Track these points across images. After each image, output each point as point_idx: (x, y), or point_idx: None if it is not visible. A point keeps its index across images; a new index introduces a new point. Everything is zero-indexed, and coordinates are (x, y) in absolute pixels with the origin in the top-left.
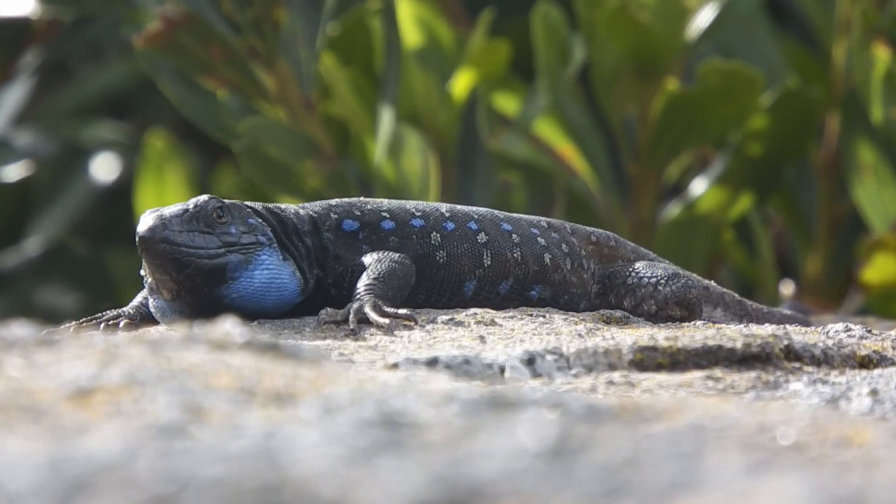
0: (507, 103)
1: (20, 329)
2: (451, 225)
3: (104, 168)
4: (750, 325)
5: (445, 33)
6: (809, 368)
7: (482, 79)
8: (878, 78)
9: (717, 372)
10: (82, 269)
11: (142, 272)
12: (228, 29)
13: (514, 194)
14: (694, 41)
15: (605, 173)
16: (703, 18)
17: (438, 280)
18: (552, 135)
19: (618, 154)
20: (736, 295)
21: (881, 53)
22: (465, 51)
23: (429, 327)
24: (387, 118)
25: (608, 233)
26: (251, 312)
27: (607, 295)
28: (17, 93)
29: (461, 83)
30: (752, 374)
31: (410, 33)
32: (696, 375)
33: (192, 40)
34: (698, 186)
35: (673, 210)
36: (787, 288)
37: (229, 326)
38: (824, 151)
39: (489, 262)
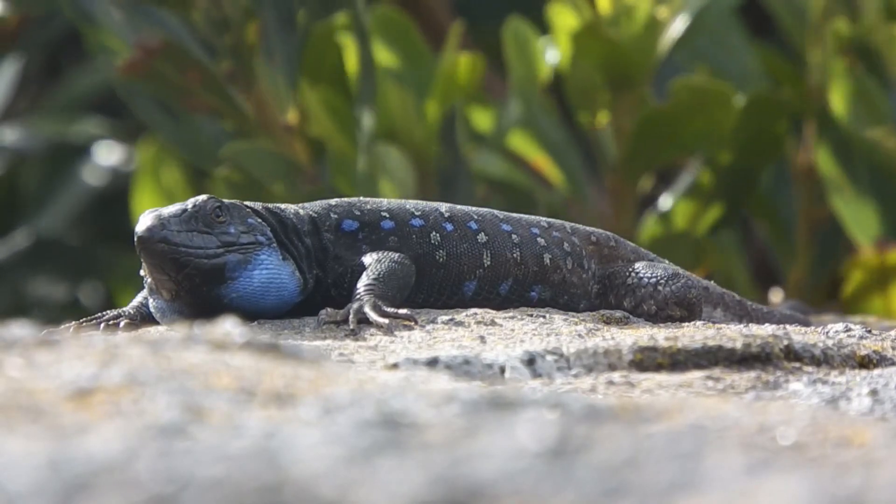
0: (481, 118)
1: (20, 329)
2: (450, 225)
3: (96, 165)
4: (750, 325)
5: (419, 48)
6: (809, 368)
7: (457, 94)
8: (850, 93)
9: (717, 372)
10: (72, 260)
11: (142, 272)
12: (206, 54)
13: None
14: (667, 52)
15: (581, 186)
16: (676, 28)
17: (438, 280)
18: (526, 148)
19: (595, 166)
20: (736, 295)
21: (852, 69)
22: (439, 66)
23: (429, 327)
24: (364, 136)
25: (608, 233)
26: (251, 312)
27: (607, 295)
28: (1, 89)
29: (435, 99)
30: (752, 374)
31: (383, 49)
32: (695, 375)
33: (170, 67)
34: (674, 197)
35: (651, 221)
36: (776, 295)
37: (229, 326)
38: (802, 156)
39: (489, 263)
